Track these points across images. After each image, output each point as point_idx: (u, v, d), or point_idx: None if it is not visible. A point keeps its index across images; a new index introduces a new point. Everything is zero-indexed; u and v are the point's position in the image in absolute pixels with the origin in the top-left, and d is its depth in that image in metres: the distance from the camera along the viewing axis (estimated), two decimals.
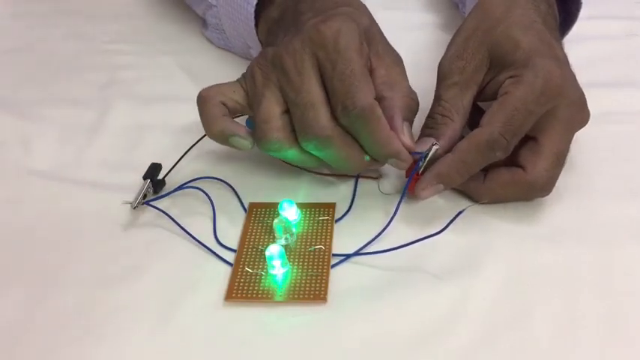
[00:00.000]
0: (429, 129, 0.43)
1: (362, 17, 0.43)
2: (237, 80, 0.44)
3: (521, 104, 0.40)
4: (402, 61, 0.44)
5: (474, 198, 0.43)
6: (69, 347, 0.36)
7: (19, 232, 0.43)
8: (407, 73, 0.44)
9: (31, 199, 0.46)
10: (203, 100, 0.42)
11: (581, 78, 0.43)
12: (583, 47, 0.56)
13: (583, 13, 0.52)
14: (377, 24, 0.44)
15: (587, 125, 0.43)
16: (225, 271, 0.40)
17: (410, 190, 0.42)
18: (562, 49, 0.44)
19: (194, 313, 0.38)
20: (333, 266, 0.40)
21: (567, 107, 0.41)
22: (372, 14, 0.44)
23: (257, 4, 0.49)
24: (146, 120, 0.52)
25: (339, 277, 0.39)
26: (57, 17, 0.67)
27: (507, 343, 0.35)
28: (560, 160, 0.41)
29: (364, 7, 0.44)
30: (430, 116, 0.44)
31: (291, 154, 0.42)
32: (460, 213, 0.40)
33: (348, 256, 0.40)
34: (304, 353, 0.36)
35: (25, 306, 0.39)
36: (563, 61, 0.42)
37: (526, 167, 0.41)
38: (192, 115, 0.43)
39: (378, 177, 0.46)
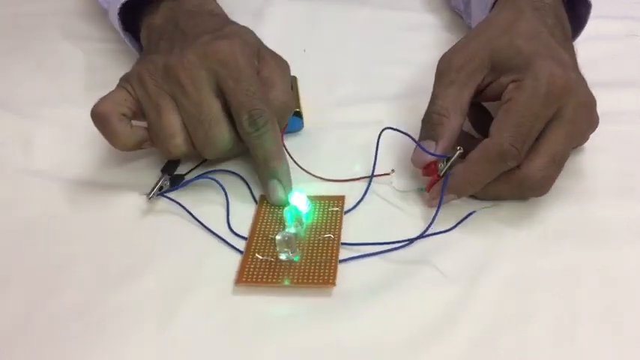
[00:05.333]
0: (427, 130, 0.43)
1: (249, 34, 0.46)
2: (121, 86, 0.45)
3: (526, 110, 0.40)
4: (287, 66, 0.48)
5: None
6: (76, 340, 0.36)
7: (19, 232, 0.43)
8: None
9: (31, 199, 0.46)
10: (103, 118, 0.43)
11: None
12: (583, 47, 0.56)
13: None
14: (261, 40, 0.47)
15: None
16: (236, 259, 0.40)
17: (428, 189, 0.43)
18: (572, 55, 0.43)
19: (205, 300, 0.38)
20: (341, 262, 0.40)
21: (575, 108, 0.40)
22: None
23: (143, 11, 0.51)
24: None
25: (342, 274, 0.39)
26: (57, 17, 0.67)
27: (508, 344, 0.35)
28: (556, 160, 0.40)
29: (247, 27, 0.47)
30: (427, 114, 0.44)
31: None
32: (471, 214, 0.40)
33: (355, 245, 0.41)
34: (304, 351, 0.36)
35: (26, 305, 0.39)
36: (568, 65, 0.41)
37: (520, 164, 0.41)
38: None
39: (390, 172, 0.46)
